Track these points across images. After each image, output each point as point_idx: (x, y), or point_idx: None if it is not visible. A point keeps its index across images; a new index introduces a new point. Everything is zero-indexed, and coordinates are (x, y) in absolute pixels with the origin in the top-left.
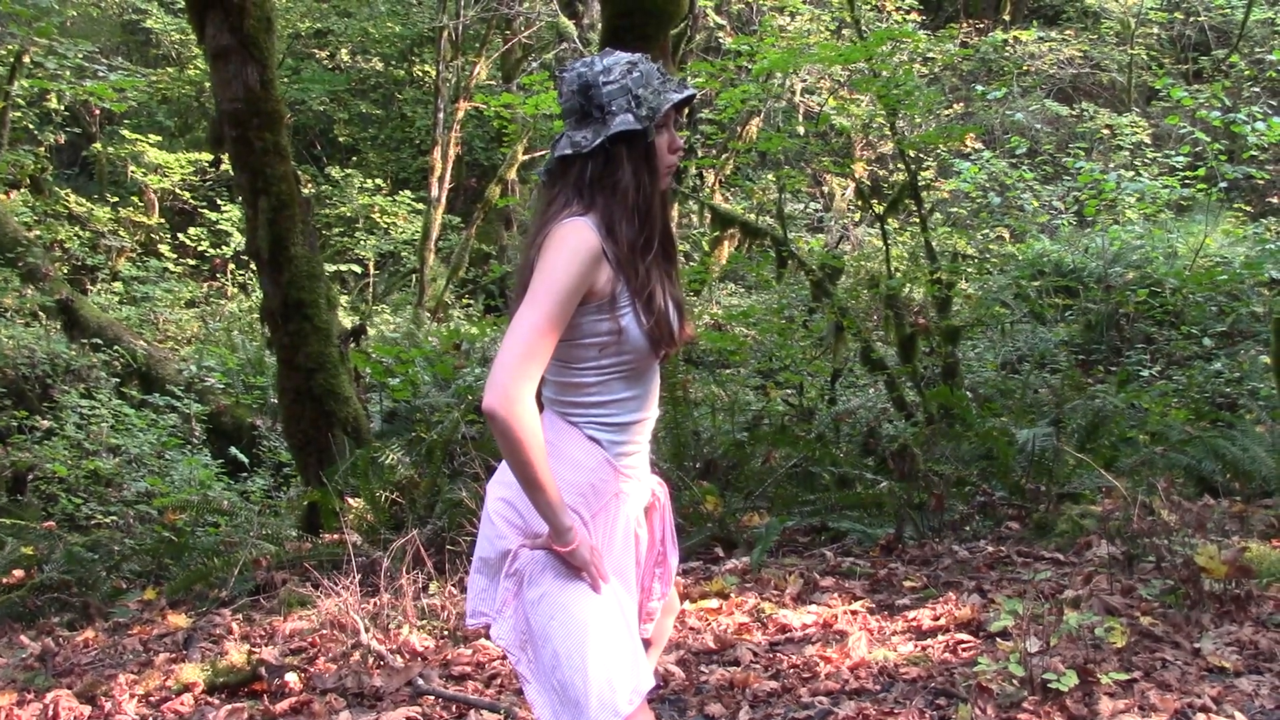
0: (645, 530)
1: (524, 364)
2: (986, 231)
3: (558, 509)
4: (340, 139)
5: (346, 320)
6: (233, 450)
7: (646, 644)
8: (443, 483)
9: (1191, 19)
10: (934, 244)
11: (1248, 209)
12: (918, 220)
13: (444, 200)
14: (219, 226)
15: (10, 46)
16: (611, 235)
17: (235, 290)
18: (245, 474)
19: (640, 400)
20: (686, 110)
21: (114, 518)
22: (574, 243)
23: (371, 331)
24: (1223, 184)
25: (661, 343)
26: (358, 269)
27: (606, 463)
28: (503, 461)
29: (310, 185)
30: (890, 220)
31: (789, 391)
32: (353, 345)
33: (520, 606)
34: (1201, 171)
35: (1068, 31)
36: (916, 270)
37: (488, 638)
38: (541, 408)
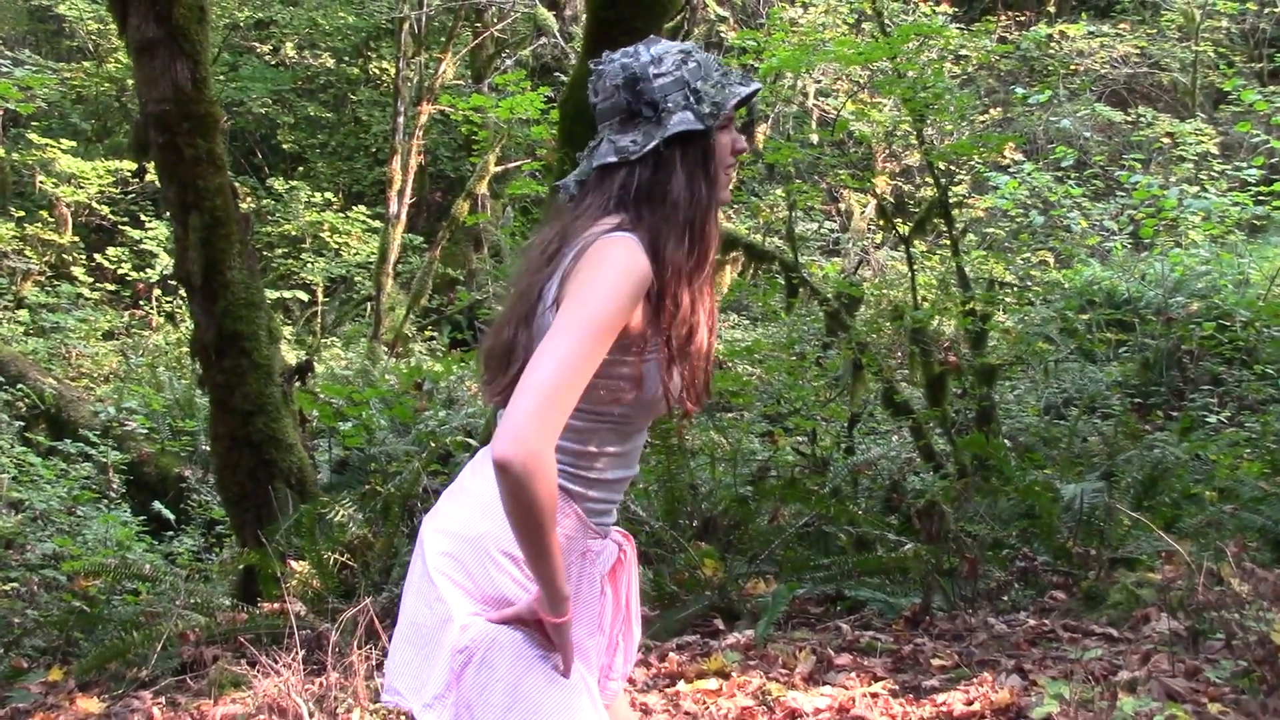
0: (610, 593)
1: (550, 409)
2: (1027, 255)
3: (560, 575)
4: (285, 146)
5: (290, 355)
6: (157, 505)
7: None
8: (400, 543)
9: (1267, 10)
10: (967, 270)
11: None
12: (948, 242)
13: (404, 217)
14: (143, 246)
15: None
16: (658, 259)
17: (161, 320)
18: (171, 533)
19: (627, 458)
20: (746, 109)
21: (14, 585)
22: (625, 264)
23: (319, 368)
24: None
25: (683, 397)
26: (304, 296)
27: (574, 516)
28: (443, 503)
29: (250, 199)
30: (917, 243)
31: (800, 439)
32: (298, 384)
33: (462, 694)
34: (1278, 186)
35: (1122, 25)
36: (947, 300)
37: None
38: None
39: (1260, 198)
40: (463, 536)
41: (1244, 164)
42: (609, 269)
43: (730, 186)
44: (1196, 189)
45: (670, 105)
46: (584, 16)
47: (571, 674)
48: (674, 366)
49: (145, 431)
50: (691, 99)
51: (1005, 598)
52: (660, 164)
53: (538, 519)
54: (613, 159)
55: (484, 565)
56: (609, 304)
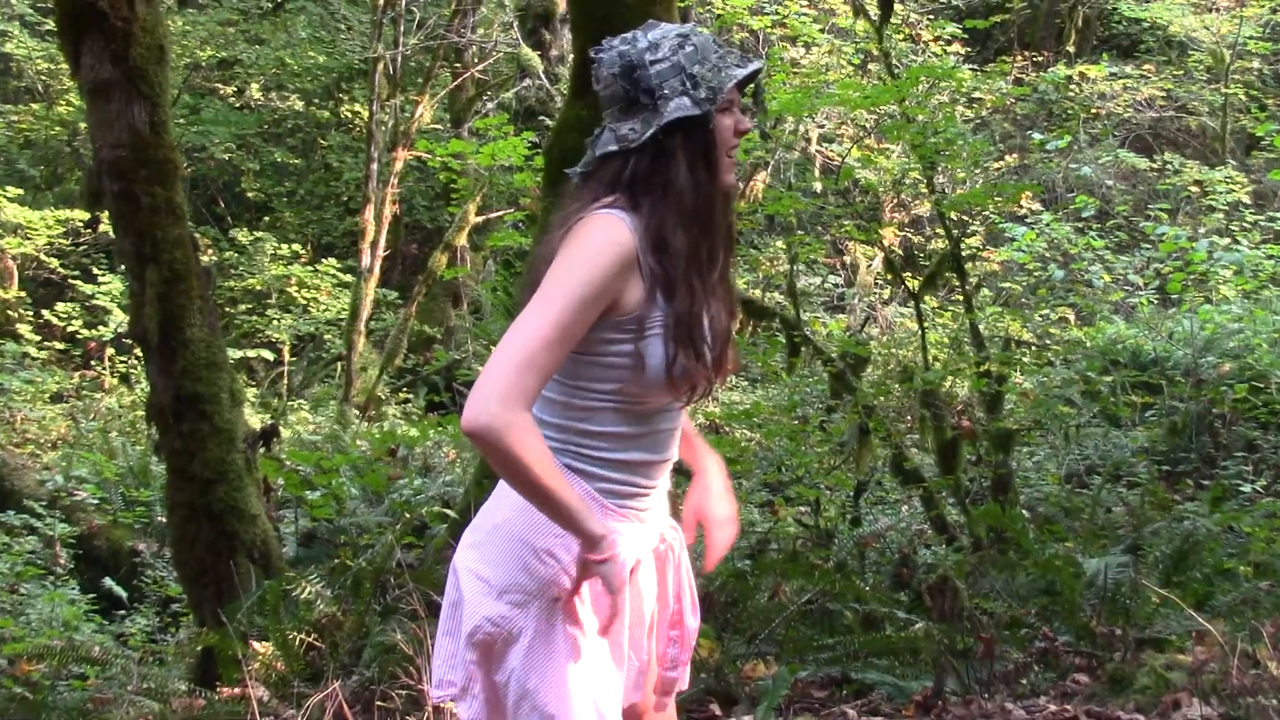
0: (654, 582)
1: (520, 375)
2: (1046, 312)
3: (581, 515)
4: (249, 194)
5: (254, 419)
6: (107, 582)
7: None
8: (372, 622)
9: None
10: (981, 328)
11: None
12: (961, 298)
13: (377, 271)
14: (95, 302)
15: None
16: (661, 247)
17: (114, 382)
18: (123, 612)
19: (645, 441)
20: (751, 88)
21: None
22: (601, 239)
23: (286, 433)
24: None
25: (687, 385)
26: (269, 355)
27: (587, 497)
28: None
29: (211, 252)
30: (927, 298)
31: (802, 510)
32: (262, 450)
33: (488, 684)
34: None
35: (1147, 66)
36: (960, 360)
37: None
38: None
39: None
40: (484, 527)
41: (1278, 214)
42: (585, 244)
43: (733, 169)
44: (1227, 241)
45: (667, 92)
46: (570, 57)
47: (585, 655)
48: (681, 350)
49: (96, 502)
50: (688, 84)
51: (1024, 681)
52: (660, 152)
53: (525, 473)
54: (613, 148)
55: (501, 552)
56: (583, 276)
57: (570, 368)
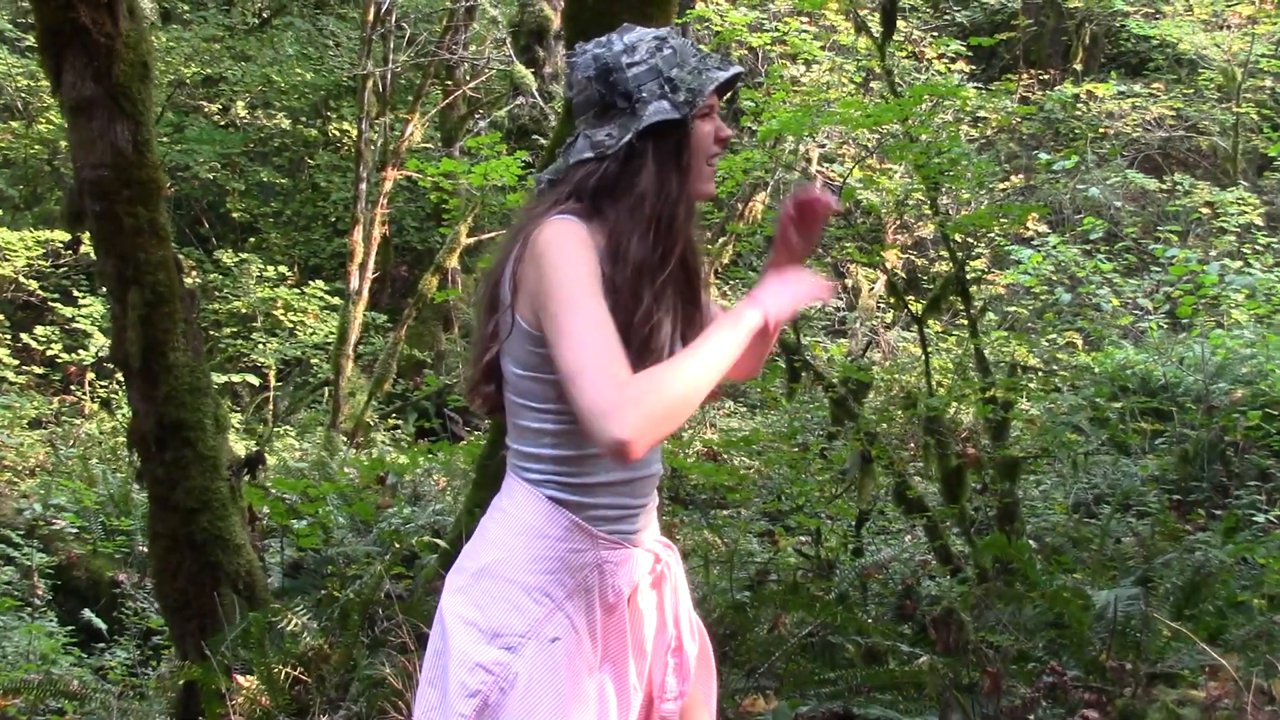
0: (654, 608)
1: (607, 373)
2: (1054, 337)
3: (738, 329)
4: (234, 215)
5: (239, 446)
6: (87, 614)
7: None
8: (360, 655)
9: None
10: (986, 353)
11: None
12: (965, 322)
13: (366, 294)
14: (75, 325)
15: None
16: (616, 255)
17: (95, 407)
18: (103, 645)
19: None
20: (730, 94)
21: None
22: (568, 239)
23: (271, 460)
24: None
25: None
26: (255, 380)
27: (575, 527)
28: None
29: (195, 274)
30: (931, 322)
31: (802, 539)
32: (247, 478)
33: None
34: None
35: (1156, 85)
36: (964, 386)
37: None
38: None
39: None
40: (469, 569)
41: None
42: (560, 247)
43: (713, 178)
44: (1239, 264)
45: (645, 95)
46: (564, 74)
47: (598, 703)
48: (640, 361)
49: (75, 531)
50: (667, 88)
51: (1031, 717)
52: (631, 157)
53: (693, 392)
54: (589, 155)
55: (489, 595)
56: (580, 269)
57: (538, 390)
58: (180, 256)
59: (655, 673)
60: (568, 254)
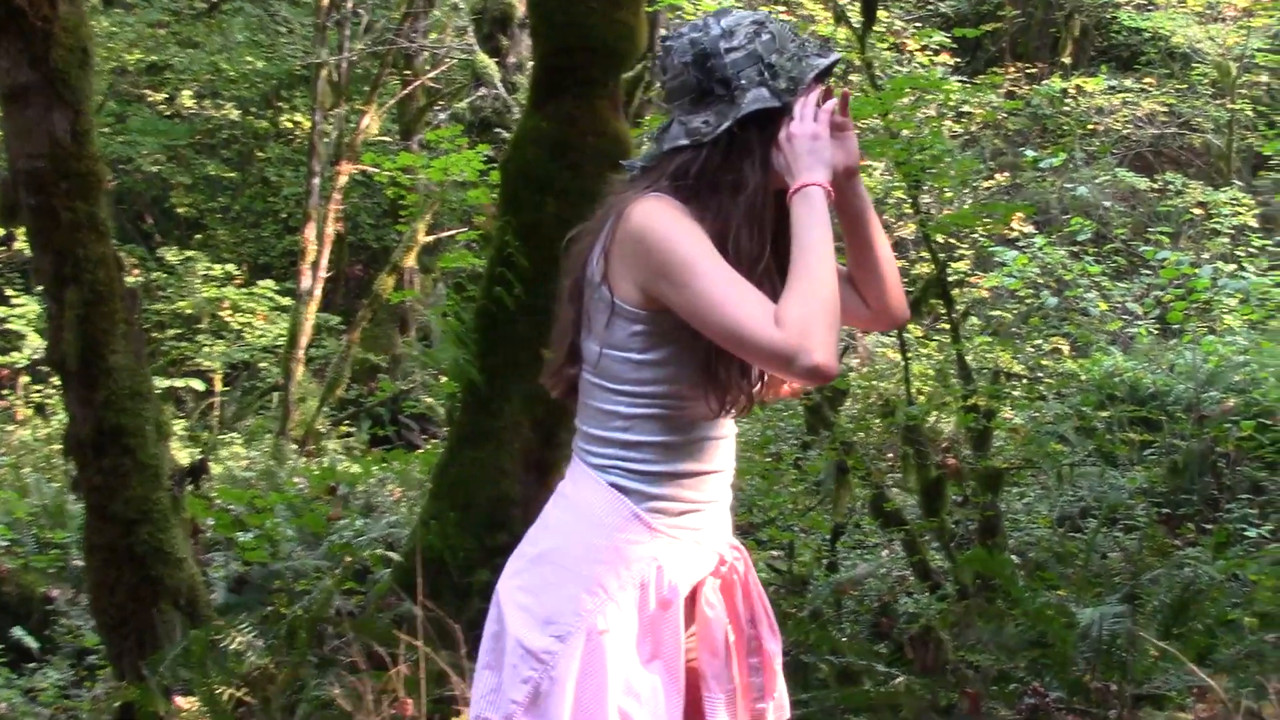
0: (719, 610)
1: (766, 310)
2: (1039, 343)
3: (808, 214)
4: (180, 210)
5: (182, 454)
6: (17, 632)
7: None
8: (308, 675)
9: None
10: (969, 359)
11: None
12: (947, 327)
13: (318, 294)
14: (8, 326)
15: None
16: (725, 246)
17: (29, 412)
18: (34, 665)
19: (687, 450)
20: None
21: None
22: (668, 211)
23: (216, 469)
24: None
25: (730, 394)
26: (199, 385)
27: (635, 519)
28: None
29: (138, 272)
30: (911, 327)
31: (775, 554)
32: (190, 488)
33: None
34: None
35: (1148, 80)
36: (945, 393)
37: None
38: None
39: None
40: (528, 555)
41: None
42: (657, 222)
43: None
44: (1233, 267)
45: (744, 82)
46: (530, 64)
47: (647, 699)
48: (719, 359)
49: (6, 544)
50: (766, 74)
51: None
52: (733, 146)
53: (830, 287)
54: (684, 141)
55: (545, 581)
56: (687, 236)
57: (613, 369)
58: (121, 254)
59: (740, 674)
60: (673, 224)
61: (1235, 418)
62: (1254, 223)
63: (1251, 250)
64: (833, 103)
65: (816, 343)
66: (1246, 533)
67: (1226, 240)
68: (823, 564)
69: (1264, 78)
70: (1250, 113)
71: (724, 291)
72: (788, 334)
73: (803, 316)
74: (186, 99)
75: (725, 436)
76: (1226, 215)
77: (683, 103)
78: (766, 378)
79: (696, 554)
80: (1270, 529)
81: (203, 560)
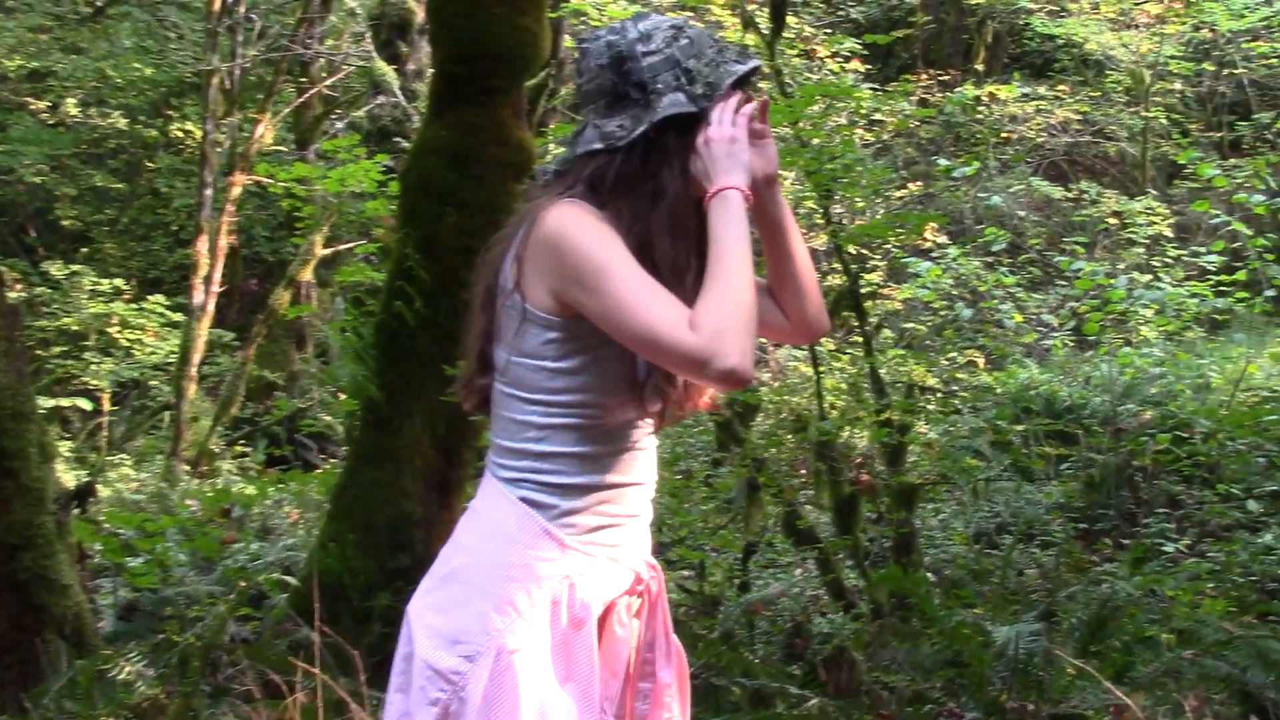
0: (629, 629)
1: (680, 313)
2: (954, 355)
3: (724, 218)
4: (64, 223)
5: (68, 477)
6: None
7: None
8: (200, 705)
9: (1226, 72)
10: (882, 372)
11: None
12: (860, 340)
13: (211, 309)
14: None
15: None
16: (642, 254)
17: None
18: None
19: (604, 462)
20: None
21: None
22: (583, 216)
23: (105, 492)
24: (1269, 292)
25: (653, 401)
26: (86, 404)
27: (546, 535)
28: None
29: (20, 287)
30: (824, 340)
31: (685, 574)
32: (77, 511)
33: None
34: (1241, 275)
35: (1061, 88)
36: (859, 408)
37: None
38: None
39: (1221, 289)
40: (439, 573)
41: (1202, 249)
42: (570, 227)
43: None
44: (1149, 278)
45: (660, 86)
46: (430, 71)
47: (554, 712)
48: (641, 364)
49: None
50: (683, 79)
51: None
52: (650, 151)
53: (747, 290)
54: (598, 145)
55: (453, 601)
56: (600, 240)
57: (527, 378)
58: (2, 268)
59: (629, 700)
60: (587, 229)
61: (1152, 431)
62: (1169, 232)
63: (1167, 260)
64: (751, 107)
65: (732, 346)
66: (1164, 548)
67: (1142, 250)
68: (734, 584)
69: (1177, 85)
70: (1164, 121)
71: (637, 296)
72: (702, 337)
73: (718, 320)
74: (71, 107)
75: (645, 448)
76: (1142, 225)
77: (598, 106)
78: (688, 386)
79: (611, 571)
80: (1188, 544)
81: (90, 587)
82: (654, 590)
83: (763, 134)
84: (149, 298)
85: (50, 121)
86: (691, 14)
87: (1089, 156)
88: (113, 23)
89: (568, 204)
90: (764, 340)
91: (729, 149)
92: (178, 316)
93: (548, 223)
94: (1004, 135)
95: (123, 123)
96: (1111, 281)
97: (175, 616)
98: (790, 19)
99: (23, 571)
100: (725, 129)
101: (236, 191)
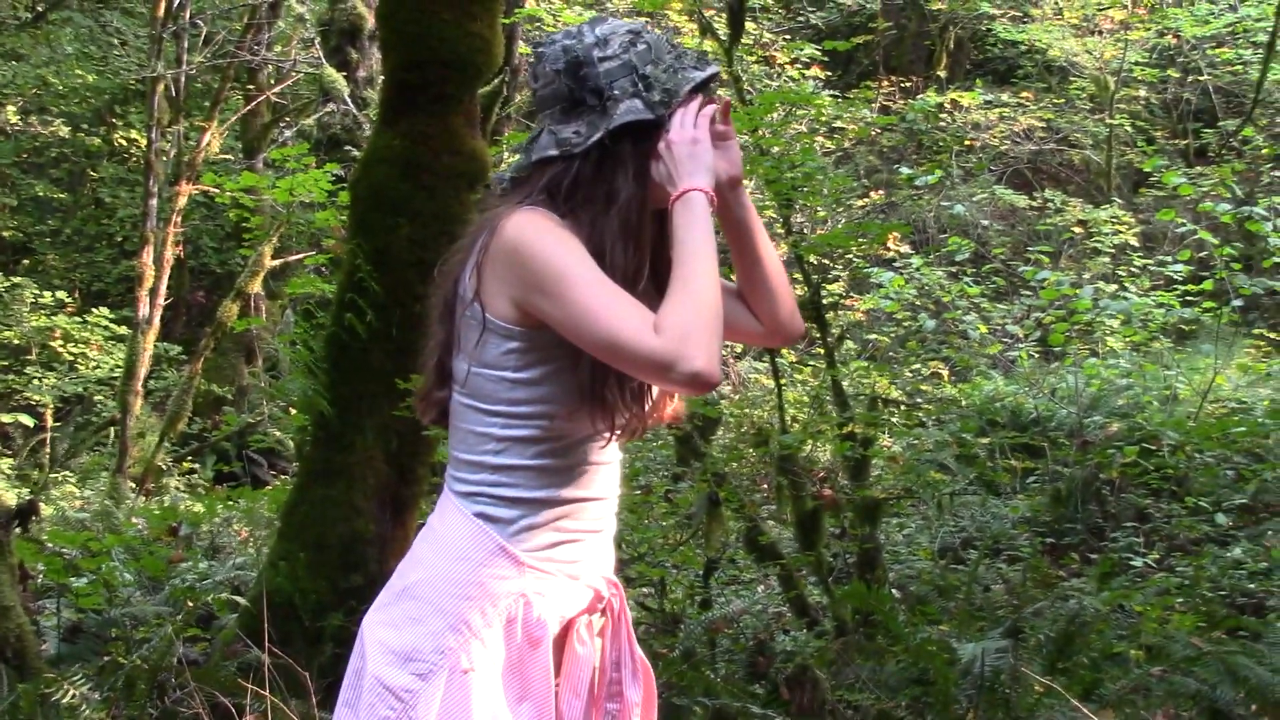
0: (592, 648)
1: (644, 317)
2: (917, 367)
3: (688, 220)
4: (5, 234)
5: (9, 495)
6: None
7: None
8: None
9: (1191, 79)
10: (845, 384)
11: (1272, 335)
12: (822, 352)
13: (157, 322)
14: None
15: None
16: (600, 261)
17: None
18: None
19: (564, 475)
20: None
21: None
22: (542, 223)
23: (47, 510)
24: (1237, 301)
25: (614, 415)
26: (29, 420)
27: (501, 552)
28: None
29: None
30: (784, 352)
31: (645, 591)
32: (19, 530)
33: None
34: (1208, 285)
35: (1025, 94)
36: (821, 421)
37: None
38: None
39: (1188, 298)
40: (394, 589)
41: (1169, 258)
42: (530, 235)
43: None
44: (1114, 288)
45: (616, 93)
46: (381, 79)
47: None
48: (609, 374)
49: None
50: (640, 85)
51: None
52: (605, 159)
53: (712, 292)
54: (553, 152)
55: (406, 617)
56: (560, 247)
57: (486, 389)
58: None
59: (594, 718)
60: (547, 236)
61: (1119, 443)
62: (1135, 241)
63: (1133, 270)
64: (712, 108)
65: (697, 349)
66: (1132, 562)
67: (1108, 260)
68: (695, 601)
69: (1142, 92)
70: (1129, 128)
71: (600, 301)
72: (666, 340)
73: (682, 322)
74: (11, 115)
75: (607, 462)
76: (1107, 234)
77: (553, 112)
78: (655, 396)
79: (570, 589)
80: (1156, 558)
81: (32, 608)
82: (615, 607)
83: (726, 135)
84: (93, 310)
85: None
86: (649, 19)
87: (1053, 164)
88: (54, 28)
89: (528, 211)
90: (725, 351)
91: (691, 150)
92: (123, 330)
93: (507, 230)
94: (967, 143)
95: (65, 131)
96: (1077, 291)
97: (121, 638)
98: (749, 25)
99: None
100: (687, 131)
101: (183, 201)
